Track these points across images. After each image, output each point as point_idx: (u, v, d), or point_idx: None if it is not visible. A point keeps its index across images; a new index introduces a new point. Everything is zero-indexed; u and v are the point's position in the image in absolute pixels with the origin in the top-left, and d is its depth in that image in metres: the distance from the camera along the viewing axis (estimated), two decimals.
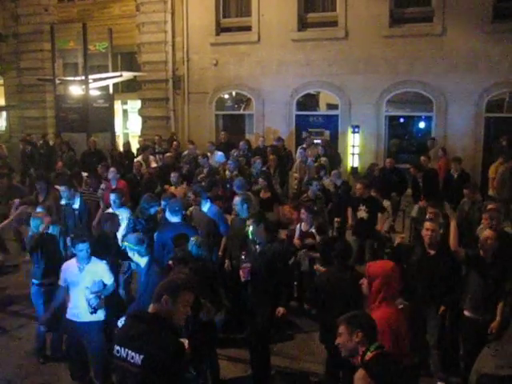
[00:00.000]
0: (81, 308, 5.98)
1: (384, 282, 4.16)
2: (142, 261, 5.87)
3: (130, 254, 5.91)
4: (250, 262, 6.10)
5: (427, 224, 6.31)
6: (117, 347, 3.57)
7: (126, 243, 6.01)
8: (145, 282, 5.74)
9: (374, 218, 9.40)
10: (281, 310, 6.03)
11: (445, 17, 15.09)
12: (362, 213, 9.35)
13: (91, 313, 5.92)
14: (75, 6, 20.80)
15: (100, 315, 6.03)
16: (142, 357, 3.40)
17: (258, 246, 6.21)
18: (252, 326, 6.13)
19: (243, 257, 6.16)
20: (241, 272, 6.15)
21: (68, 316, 6.11)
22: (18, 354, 7.20)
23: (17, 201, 9.16)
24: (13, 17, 21.30)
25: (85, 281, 5.94)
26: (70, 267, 6.10)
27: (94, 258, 6.09)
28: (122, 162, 14.13)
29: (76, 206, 9.11)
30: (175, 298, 3.60)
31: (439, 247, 6.18)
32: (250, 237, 6.32)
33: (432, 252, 6.18)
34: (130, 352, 3.46)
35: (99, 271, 6.05)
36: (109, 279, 6.11)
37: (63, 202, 9.22)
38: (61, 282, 6.16)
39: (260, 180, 10.06)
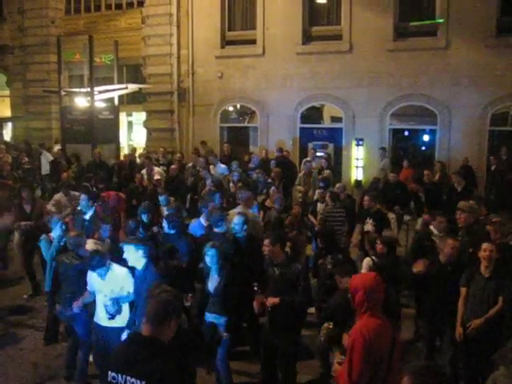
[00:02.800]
0: (103, 313, 6.11)
1: (366, 294, 4.07)
2: (140, 263, 5.86)
3: (130, 255, 5.86)
4: (264, 295, 5.96)
5: (449, 242, 6.34)
6: (112, 373, 3.41)
7: (129, 244, 5.95)
8: (140, 286, 5.72)
9: (381, 232, 9.36)
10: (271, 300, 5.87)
11: (449, 31, 15.16)
12: (369, 226, 9.21)
13: (109, 319, 6.01)
14: (81, 18, 20.99)
15: (122, 321, 6.04)
16: (144, 383, 3.29)
17: (276, 269, 5.96)
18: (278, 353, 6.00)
19: (256, 288, 6.06)
20: (254, 304, 6.10)
21: (95, 319, 6.23)
22: (21, 365, 7.18)
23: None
24: (20, 29, 21.52)
25: (106, 287, 6.03)
26: (93, 274, 6.17)
27: (115, 265, 6.15)
28: (122, 173, 14.09)
29: (87, 217, 9.15)
30: (178, 319, 3.55)
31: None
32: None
33: (449, 267, 6.24)
34: (129, 378, 3.32)
35: (120, 278, 6.07)
36: (130, 286, 6.04)
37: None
38: (88, 287, 6.29)
39: (273, 189, 10.14)
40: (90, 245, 6.56)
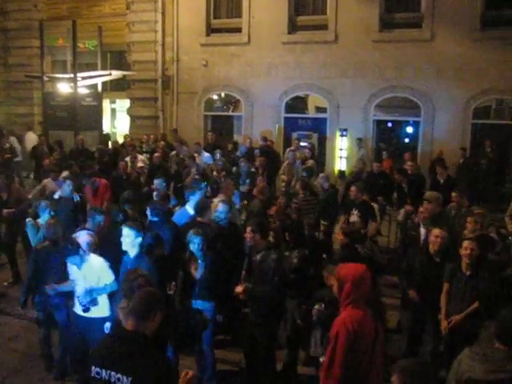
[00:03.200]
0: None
1: (354, 286, 4.04)
2: (134, 250, 5.86)
3: (128, 239, 5.85)
4: (250, 283, 5.96)
5: (435, 231, 6.37)
6: (96, 369, 3.39)
7: (131, 228, 5.92)
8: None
9: (366, 222, 9.37)
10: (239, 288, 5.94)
11: (434, 23, 15.23)
12: (355, 217, 9.16)
13: (83, 311, 5.89)
14: (65, 2, 20.68)
15: (103, 311, 5.95)
16: (130, 379, 3.27)
17: (257, 256, 6.02)
18: (253, 340, 6.03)
19: (243, 276, 6.03)
20: (238, 289, 6.01)
21: (74, 309, 6.14)
22: (3, 353, 7.15)
23: None
24: (1, 12, 21.15)
25: (82, 277, 5.93)
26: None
27: (92, 255, 6.03)
28: (105, 160, 13.94)
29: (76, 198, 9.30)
30: (162, 312, 3.52)
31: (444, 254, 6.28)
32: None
33: (437, 259, 6.28)
34: (114, 374, 3.30)
35: (96, 269, 5.93)
36: (108, 277, 5.92)
37: (58, 195, 9.30)
38: (70, 276, 6.18)
39: (258, 179, 10.08)
40: (83, 237, 6.45)
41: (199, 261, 6.24)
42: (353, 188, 9.46)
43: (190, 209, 8.10)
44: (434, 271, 6.22)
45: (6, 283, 9.51)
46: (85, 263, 5.95)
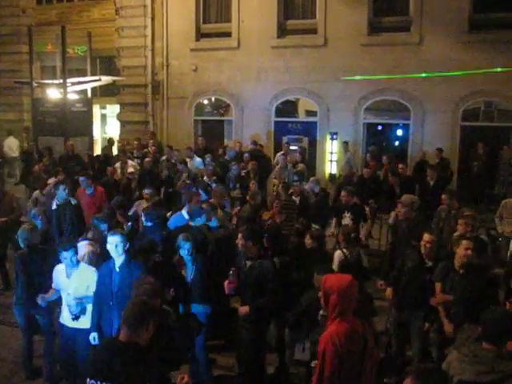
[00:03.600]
0: (67, 312, 5.94)
1: (340, 297, 3.94)
2: (121, 257, 5.75)
3: (115, 246, 5.71)
4: (235, 279, 5.94)
5: (426, 236, 6.38)
6: (91, 381, 3.39)
7: (116, 234, 5.81)
8: (125, 280, 5.56)
9: (358, 224, 9.41)
10: (243, 309, 5.90)
11: (422, 26, 15.31)
12: (347, 220, 9.22)
13: (72, 319, 5.84)
14: (54, 8, 20.66)
15: (89, 322, 5.83)
16: None
17: (248, 262, 6.01)
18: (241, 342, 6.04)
19: (231, 272, 5.96)
20: (225, 285, 5.99)
21: (60, 320, 6.07)
22: None
23: None
24: None
25: (71, 287, 5.86)
26: (58, 271, 6.03)
27: (82, 264, 5.99)
28: (94, 166, 13.90)
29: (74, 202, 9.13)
30: (155, 321, 3.54)
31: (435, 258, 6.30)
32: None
33: (429, 263, 6.28)
34: None
35: (87, 278, 5.88)
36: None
37: (56, 203, 9.07)
38: (53, 285, 6.11)
39: (251, 184, 10.06)
40: (83, 248, 6.38)
41: (189, 264, 6.23)
42: (343, 193, 9.48)
43: (185, 214, 8.09)
44: (425, 275, 6.25)
45: None
46: (74, 272, 5.89)
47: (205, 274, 6.20)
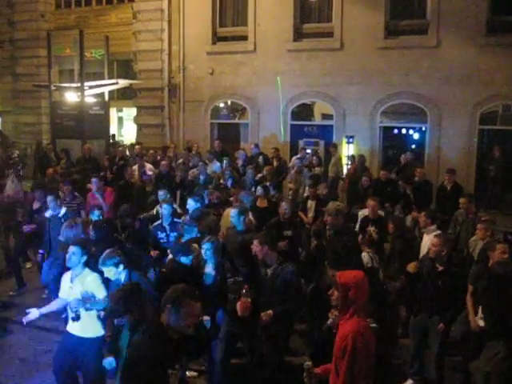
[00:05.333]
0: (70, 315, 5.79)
1: (358, 290, 3.92)
2: (123, 275, 5.72)
3: (111, 270, 5.68)
4: (249, 297, 5.60)
5: (433, 239, 6.34)
6: None
7: (106, 265, 5.72)
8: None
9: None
10: (266, 315, 5.65)
11: (439, 29, 15.22)
12: (372, 233, 8.61)
13: (72, 318, 5.64)
14: (72, 12, 20.88)
15: (98, 331, 5.71)
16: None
17: (268, 270, 5.82)
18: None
19: (244, 291, 5.61)
20: (238, 306, 5.61)
21: (67, 327, 5.90)
22: (10, 361, 7.15)
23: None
24: (9, 23, 21.36)
25: (75, 291, 5.75)
26: (65, 278, 5.96)
27: (87, 270, 5.87)
28: (112, 168, 13.94)
29: (61, 215, 8.83)
30: (178, 307, 3.71)
31: (447, 262, 6.24)
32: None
33: (440, 267, 6.23)
34: None
35: (90, 283, 5.77)
36: (100, 293, 5.71)
37: (48, 213, 8.89)
38: (60, 293, 6.01)
39: (258, 189, 9.85)
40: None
41: (210, 268, 6.19)
42: (372, 202, 8.92)
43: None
44: (437, 279, 6.20)
45: (11, 292, 9.55)
46: (78, 277, 5.82)
47: (224, 277, 6.09)
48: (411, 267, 6.71)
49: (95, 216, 8.25)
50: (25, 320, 5.87)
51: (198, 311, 3.83)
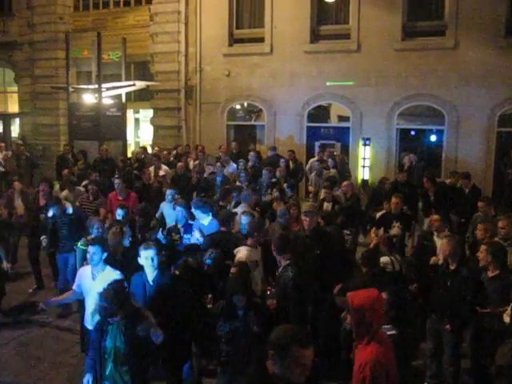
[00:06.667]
0: (90, 316, 5.88)
1: (373, 315, 3.68)
2: (154, 271, 5.74)
3: (150, 260, 5.69)
4: (274, 299, 5.73)
5: (443, 241, 6.35)
6: None
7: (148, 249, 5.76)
8: (151, 295, 5.63)
9: (405, 235, 9.20)
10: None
11: (457, 31, 15.11)
12: (396, 229, 8.79)
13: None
14: (90, 15, 21.01)
15: None
16: None
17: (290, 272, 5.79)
18: None
19: (268, 292, 5.76)
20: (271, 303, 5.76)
21: (85, 323, 6.07)
22: (27, 360, 7.22)
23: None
24: (28, 25, 21.52)
25: (97, 289, 5.67)
26: (84, 273, 6.04)
27: (108, 268, 5.94)
28: (126, 169, 13.97)
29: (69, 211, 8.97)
30: (283, 355, 3.09)
31: (459, 262, 6.20)
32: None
33: (452, 267, 6.20)
34: None
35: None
36: None
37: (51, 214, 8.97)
38: (74, 287, 6.14)
39: (274, 191, 9.84)
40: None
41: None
42: (395, 200, 9.03)
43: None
44: (448, 279, 6.19)
45: (30, 290, 9.64)
46: (100, 275, 5.87)
47: None
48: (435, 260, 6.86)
49: (120, 215, 8.28)
50: (42, 305, 6.22)
51: (309, 361, 3.10)
